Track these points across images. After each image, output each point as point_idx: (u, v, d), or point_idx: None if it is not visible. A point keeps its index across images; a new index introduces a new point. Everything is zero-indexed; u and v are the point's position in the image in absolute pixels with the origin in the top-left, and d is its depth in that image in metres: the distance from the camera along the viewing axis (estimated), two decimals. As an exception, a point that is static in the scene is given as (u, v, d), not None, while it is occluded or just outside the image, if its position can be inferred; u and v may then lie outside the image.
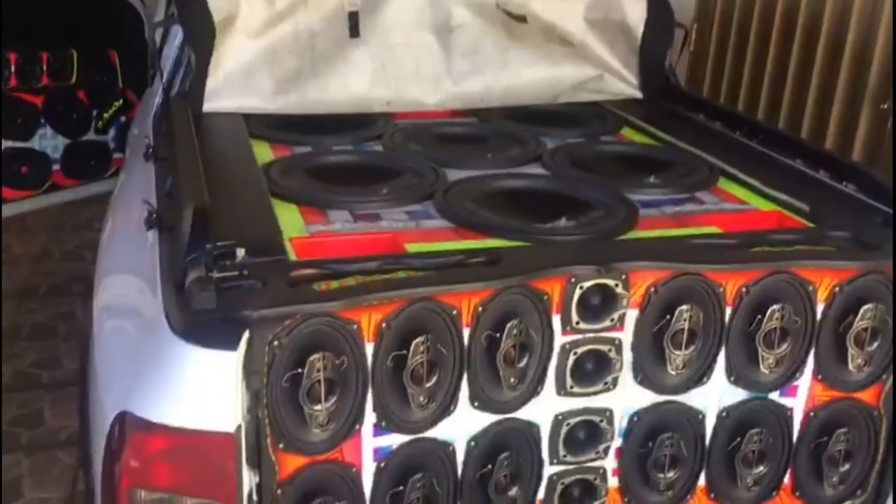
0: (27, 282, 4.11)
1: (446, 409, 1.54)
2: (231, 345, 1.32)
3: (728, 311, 1.65)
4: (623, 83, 2.78)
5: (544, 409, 1.63)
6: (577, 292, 1.58)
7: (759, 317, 1.65)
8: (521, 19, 2.66)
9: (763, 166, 2.18)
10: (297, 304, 1.37)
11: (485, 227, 1.77)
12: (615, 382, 1.64)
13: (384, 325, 1.46)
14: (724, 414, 1.73)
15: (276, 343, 1.37)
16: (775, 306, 1.65)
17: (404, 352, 1.48)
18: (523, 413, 1.62)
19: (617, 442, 1.69)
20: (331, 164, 2.16)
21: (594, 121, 2.67)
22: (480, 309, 1.52)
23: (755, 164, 2.19)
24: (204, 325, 1.34)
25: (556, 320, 1.59)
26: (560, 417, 1.65)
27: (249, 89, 2.46)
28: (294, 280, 1.48)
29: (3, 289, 3.98)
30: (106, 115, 4.51)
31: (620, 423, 1.69)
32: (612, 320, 1.61)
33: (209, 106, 2.41)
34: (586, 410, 1.65)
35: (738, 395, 1.72)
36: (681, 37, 2.76)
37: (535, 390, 1.61)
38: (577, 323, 1.60)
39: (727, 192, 2.08)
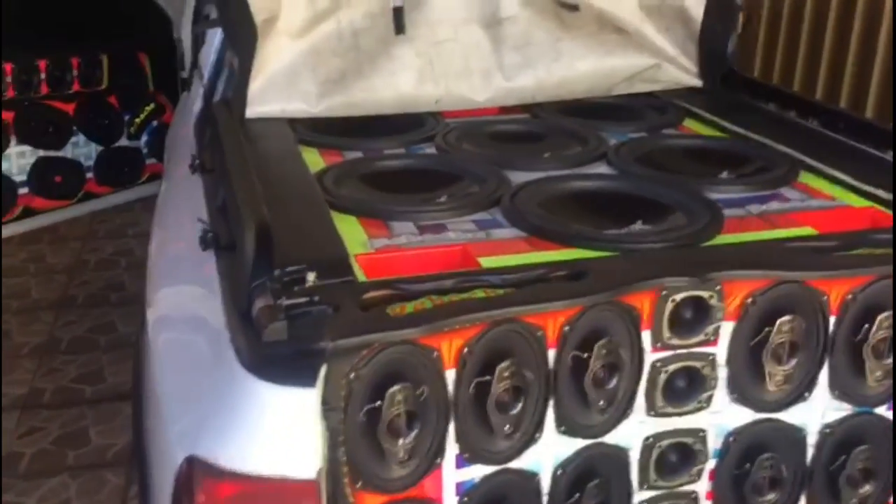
0: (63, 293, 4.04)
1: (532, 437, 1.43)
2: (308, 380, 1.21)
3: (832, 320, 1.53)
4: (681, 71, 2.64)
5: (634, 431, 1.51)
6: (669, 306, 1.46)
7: (867, 326, 1.53)
8: (574, 8, 2.52)
9: (848, 158, 2.04)
10: (377, 332, 1.26)
11: (561, 235, 1.64)
12: (709, 401, 1.53)
13: (466, 350, 1.35)
14: (828, 431, 1.60)
15: (353, 375, 1.26)
16: (884, 314, 1.52)
17: (487, 378, 1.37)
18: (612, 437, 1.50)
19: (711, 464, 1.57)
20: (386, 169, 2.05)
21: (653, 113, 2.53)
22: (567, 328, 1.41)
23: (838, 155, 2.05)
24: (277, 360, 1.23)
25: (646, 336, 1.48)
26: (651, 440, 1.53)
27: (293, 92, 2.35)
28: (366, 303, 1.38)
29: (39, 301, 3.92)
30: (138, 121, 4.43)
31: (715, 443, 1.57)
32: (705, 335, 1.49)
33: (252, 111, 2.30)
34: (678, 432, 1.53)
35: (843, 410, 1.60)
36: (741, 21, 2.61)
37: (624, 412, 1.50)
38: (669, 339, 1.48)
39: (812, 188, 1.94)
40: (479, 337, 1.35)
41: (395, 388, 1.29)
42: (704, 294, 1.46)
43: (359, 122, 2.38)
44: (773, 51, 3.36)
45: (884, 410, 1.61)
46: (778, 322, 1.49)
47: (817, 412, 1.58)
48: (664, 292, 1.45)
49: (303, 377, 1.21)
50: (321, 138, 2.24)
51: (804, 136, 2.20)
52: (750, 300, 1.49)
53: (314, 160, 2.10)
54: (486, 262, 1.56)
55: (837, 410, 1.60)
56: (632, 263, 1.51)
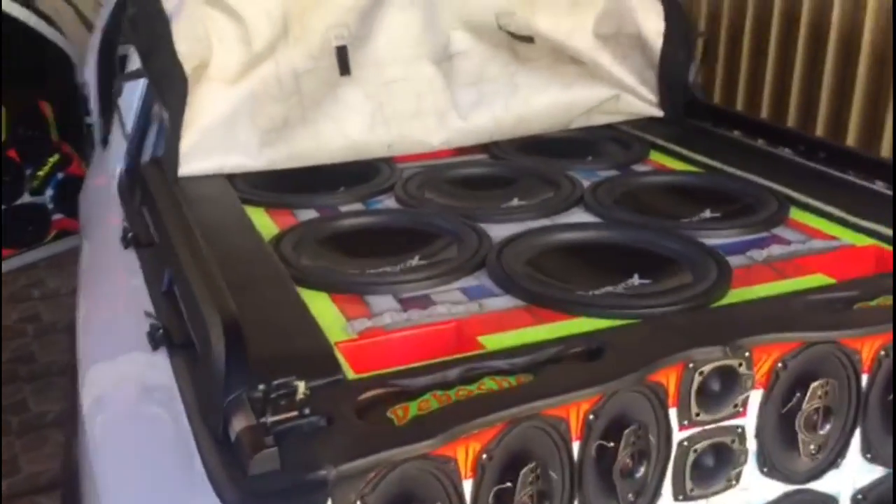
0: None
1: None
2: (311, 519, 0.99)
3: (864, 379, 1.40)
4: (641, 101, 2.51)
5: (662, 522, 1.35)
6: (697, 379, 1.32)
7: None
8: (528, 40, 2.37)
9: (836, 190, 1.93)
10: (385, 450, 1.05)
11: (565, 304, 1.47)
12: (738, 477, 1.39)
13: (484, 456, 1.16)
14: (860, 497, 1.48)
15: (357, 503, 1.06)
16: (920, 370, 1.41)
17: (508, 484, 1.18)
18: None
19: (742, 546, 1.42)
20: (348, 230, 1.83)
21: (617, 147, 2.39)
22: (591, 417, 1.24)
23: (825, 187, 1.94)
24: (269, 497, 1.01)
25: (673, 414, 1.32)
26: (679, 528, 1.37)
27: (232, 145, 2.11)
28: (362, 408, 1.17)
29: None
30: (41, 174, 4.06)
31: (745, 521, 1.42)
32: (735, 406, 1.35)
33: (186, 168, 2.05)
34: None
35: (875, 473, 1.48)
36: (700, 48, 2.50)
37: (651, 501, 1.33)
38: (697, 415, 1.34)
39: (807, 226, 1.82)
40: (499, 439, 1.17)
41: None
42: (734, 363, 1.32)
43: (304, 174, 2.16)
44: (735, 76, 3.25)
45: (916, 470, 1.50)
46: (812, 386, 1.37)
47: (849, 477, 1.46)
48: (691, 365, 1.30)
49: None
50: (267, 196, 2.01)
51: (785, 168, 2.09)
52: (780, 365, 1.36)
53: (263, 223, 1.87)
54: (487, 341, 1.36)
55: (869, 473, 1.48)
56: (652, 333, 1.34)
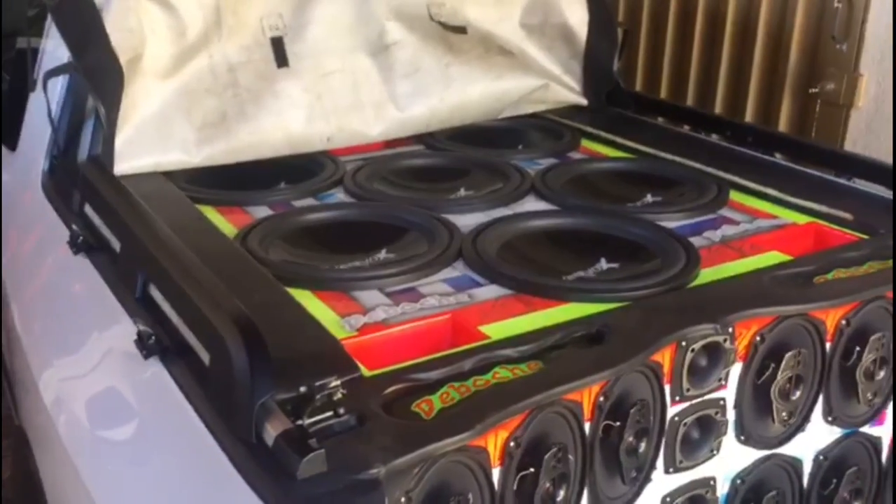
0: None
1: None
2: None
3: (828, 347, 1.51)
4: (567, 90, 2.58)
5: (653, 494, 1.41)
6: (689, 356, 1.38)
7: (859, 349, 1.53)
8: (460, 30, 2.38)
9: (767, 172, 2.05)
10: (429, 444, 1.05)
11: (555, 290, 1.50)
12: (719, 447, 1.46)
13: (512, 443, 1.18)
14: (822, 458, 1.59)
15: (403, 500, 1.05)
16: (875, 335, 1.53)
17: (532, 470, 1.20)
18: (634, 505, 1.39)
19: (718, 512, 1.50)
20: (310, 225, 1.80)
21: (548, 136, 2.45)
22: (602, 399, 1.28)
23: (756, 169, 2.06)
24: (321, 499, 0.99)
25: (667, 391, 1.38)
26: (668, 499, 1.44)
27: (167, 142, 2.01)
28: (386, 404, 1.16)
29: None
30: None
31: (722, 488, 1.50)
32: (719, 380, 1.43)
33: (121, 167, 1.94)
34: (692, 484, 1.46)
35: (834, 434, 1.59)
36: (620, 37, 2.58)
37: (647, 476, 1.39)
38: (688, 390, 1.40)
39: (749, 207, 1.93)
40: (525, 426, 1.19)
41: None
42: (720, 339, 1.39)
43: (242, 170, 2.09)
44: (658, 65, 3.35)
45: (868, 429, 1.62)
46: (786, 357, 1.46)
47: (812, 440, 1.57)
48: (684, 342, 1.36)
49: None
50: (215, 194, 1.94)
51: (715, 152, 2.20)
52: (758, 338, 1.44)
53: (217, 221, 1.80)
54: (490, 330, 1.38)
55: (829, 435, 1.59)
56: (646, 315, 1.39)
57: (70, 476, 1.33)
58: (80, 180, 1.81)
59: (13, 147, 2.34)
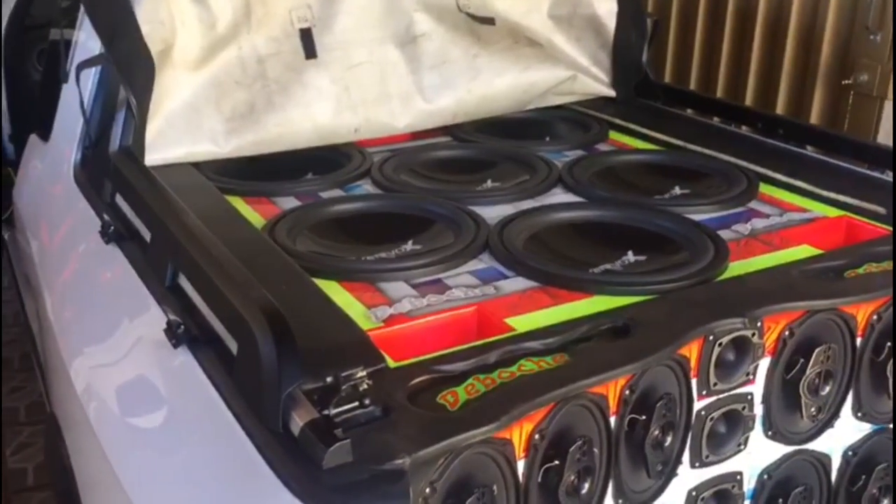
0: None
1: None
2: (393, 508, 0.99)
3: (859, 342, 1.49)
4: (595, 82, 2.56)
5: (679, 488, 1.41)
6: (716, 350, 1.37)
7: (890, 344, 1.51)
8: (489, 21, 2.37)
9: (798, 164, 2.03)
10: (454, 435, 1.06)
11: (581, 283, 1.49)
12: (746, 442, 1.45)
13: (537, 436, 1.18)
14: (850, 454, 1.58)
15: (427, 491, 1.06)
16: (908, 330, 1.51)
17: (556, 462, 1.20)
18: (660, 500, 1.39)
19: (746, 505, 1.49)
20: (338, 217, 1.81)
21: (576, 128, 2.44)
22: (627, 392, 1.28)
23: (787, 162, 2.04)
24: (347, 489, 1.00)
25: (693, 385, 1.37)
26: (694, 493, 1.44)
27: (197, 133, 2.03)
28: (411, 396, 1.17)
29: None
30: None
31: (749, 483, 1.50)
32: (747, 374, 1.41)
33: (151, 158, 1.96)
34: (719, 479, 1.46)
35: (863, 430, 1.58)
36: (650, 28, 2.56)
37: (673, 470, 1.39)
38: (715, 385, 1.39)
39: (779, 199, 1.91)
40: (550, 419, 1.19)
41: (473, 497, 1.10)
42: (748, 333, 1.38)
43: (270, 161, 2.11)
44: (688, 56, 3.30)
45: (896, 425, 1.60)
46: (815, 352, 1.44)
47: (841, 436, 1.55)
48: (711, 336, 1.35)
49: None
50: (243, 185, 1.96)
51: (745, 144, 2.18)
52: (787, 333, 1.43)
53: (245, 212, 1.82)
54: (515, 323, 1.38)
55: (859, 431, 1.57)
56: (673, 308, 1.39)
57: (100, 463, 1.35)
58: (112, 171, 1.83)
59: (46, 138, 2.37)
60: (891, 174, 1.92)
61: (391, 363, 1.24)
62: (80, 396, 1.49)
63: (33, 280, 2.07)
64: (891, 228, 1.74)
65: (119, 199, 1.79)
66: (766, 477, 1.50)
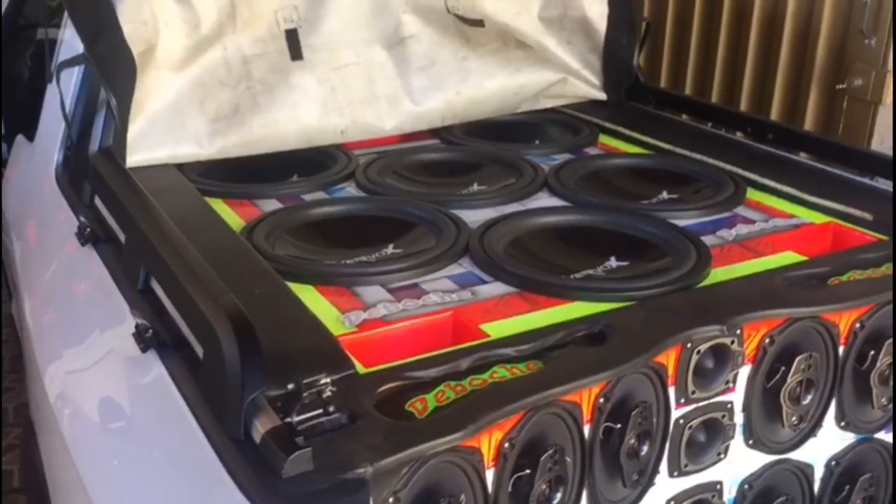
0: None
1: None
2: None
3: (841, 350, 1.47)
4: (586, 85, 2.54)
5: (657, 497, 1.39)
6: (694, 358, 1.35)
7: (873, 353, 1.48)
8: (478, 24, 2.35)
9: (786, 170, 2.01)
10: (418, 444, 1.03)
11: (559, 289, 1.47)
12: (727, 451, 1.43)
13: (507, 444, 1.16)
14: (834, 464, 1.55)
15: (391, 501, 1.04)
16: (891, 339, 1.48)
17: (527, 472, 1.18)
18: (636, 509, 1.37)
19: (726, 516, 1.47)
20: (318, 219, 1.79)
21: (565, 131, 2.42)
22: (602, 400, 1.26)
23: (776, 167, 2.01)
24: (306, 498, 0.98)
25: (671, 393, 1.35)
26: (673, 503, 1.41)
27: (180, 134, 2.02)
28: (379, 403, 1.14)
29: None
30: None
31: (730, 493, 1.47)
32: (726, 383, 1.39)
33: (134, 159, 1.95)
34: (698, 488, 1.43)
35: (846, 440, 1.55)
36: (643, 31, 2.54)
37: (650, 480, 1.37)
38: (693, 393, 1.37)
39: (765, 205, 1.88)
40: (521, 427, 1.17)
41: None
42: (727, 340, 1.36)
43: (254, 163, 2.09)
44: (683, 60, 3.29)
45: (882, 435, 1.58)
46: (796, 360, 1.42)
47: (824, 446, 1.53)
48: (689, 344, 1.33)
49: None
50: (224, 186, 1.94)
51: (735, 149, 2.15)
52: (768, 340, 1.40)
53: (225, 214, 1.80)
54: (490, 329, 1.36)
55: (841, 441, 1.55)
56: (650, 315, 1.36)
57: (69, 469, 1.33)
58: (91, 172, 1.81)
59: (32, 138, 2.36)
60: (879, 180, 1.90)
61: (361, 369, 1.22)
62: (51, 401, 1.47)
63: (14, 282, 2.06)
64: (878, 235, 1.71)
65: (98, 201, 1.77)
66: (746, 487, 1.48)
